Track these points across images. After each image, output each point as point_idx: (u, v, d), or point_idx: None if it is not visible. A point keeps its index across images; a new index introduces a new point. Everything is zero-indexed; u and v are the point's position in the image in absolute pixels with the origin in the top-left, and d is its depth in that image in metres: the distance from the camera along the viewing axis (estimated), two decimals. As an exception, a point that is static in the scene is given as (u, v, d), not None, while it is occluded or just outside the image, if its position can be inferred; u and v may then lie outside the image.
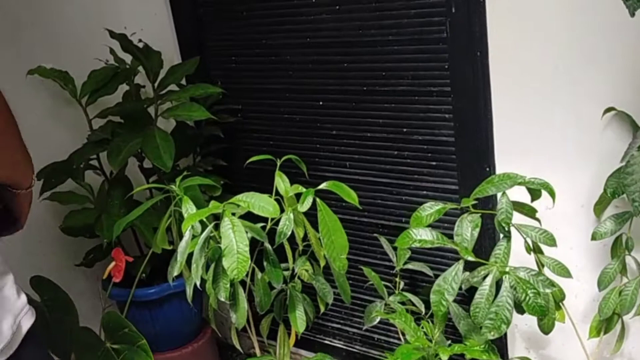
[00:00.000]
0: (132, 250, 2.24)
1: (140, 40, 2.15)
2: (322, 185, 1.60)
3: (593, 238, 1.55)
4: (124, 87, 2.19)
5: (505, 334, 1.99)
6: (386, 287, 1.90)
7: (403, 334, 1.74)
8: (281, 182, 1.57)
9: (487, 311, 1.41)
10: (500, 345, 1.96)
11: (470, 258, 1.44)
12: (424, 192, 2.00)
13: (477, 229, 1.47)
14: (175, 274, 1.61)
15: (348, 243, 1.56)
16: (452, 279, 1.45)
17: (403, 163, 2.02)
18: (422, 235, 1.48)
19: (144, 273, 2.02)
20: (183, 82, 2.21)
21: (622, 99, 1.56)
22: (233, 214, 1.51)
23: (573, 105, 1.65)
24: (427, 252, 2.00)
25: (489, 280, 1.44)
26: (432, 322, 1.80)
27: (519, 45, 1.68)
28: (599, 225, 1.55)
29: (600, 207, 1.63)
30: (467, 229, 1.48)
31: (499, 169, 1.82)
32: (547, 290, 1.42)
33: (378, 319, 1.81)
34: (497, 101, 1.76)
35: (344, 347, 2.40)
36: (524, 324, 1.93)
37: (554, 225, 1.76)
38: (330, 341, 2.42)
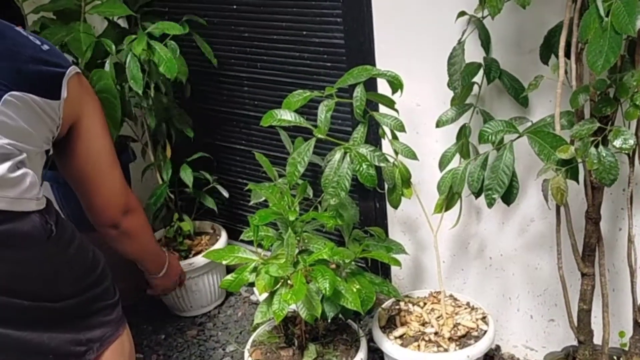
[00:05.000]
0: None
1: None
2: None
3: (437, 125, 1.76)
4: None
5: (387, 219, 2.25)
6: (282, 175, 2.13)
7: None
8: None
9: (331, 181, 1.65)
10: (383, 227, 2.21)
11: (321, 136, 1.67)
12: (323, 90, 2.21)
13: (330, 112, 1.69)
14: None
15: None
16: (305, 153, 1.68)
17: (303, 64, 2.23)
18: (283, 115, 1.71)
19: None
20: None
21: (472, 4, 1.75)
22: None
23: (435, 12, 1.84)
24: (322, 147, 2.22)
25: (337, 156, 1.68)
26: (321, 205, 2.06)
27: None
28: (442, 115, 1.76)
29: (455, 101, 1.83)
30: (323, 112, 1.70)
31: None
32: (382, 164, 1.66)
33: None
34: (376, 6, 1.95)
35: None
36: (400, 211, 2.17)
37: (423, 120, 1.99)
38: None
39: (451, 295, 2.03)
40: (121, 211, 1.53)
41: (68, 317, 1.31)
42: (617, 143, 1.25)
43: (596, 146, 1.29)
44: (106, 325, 1.39)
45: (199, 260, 2.40)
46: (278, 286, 1.67)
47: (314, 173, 2.33)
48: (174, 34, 2.14)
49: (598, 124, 1.30)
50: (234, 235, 2.61)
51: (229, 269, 2.16)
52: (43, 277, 1.25)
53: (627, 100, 1.29)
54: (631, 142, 1.24)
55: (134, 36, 2.11)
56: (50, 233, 1.25)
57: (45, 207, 1.27)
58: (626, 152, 1.26)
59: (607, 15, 1.20)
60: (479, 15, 1.64)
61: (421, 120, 1.98)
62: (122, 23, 2.53)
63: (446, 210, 1.82)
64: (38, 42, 1.27)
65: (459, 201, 1.81)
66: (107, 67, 2.10)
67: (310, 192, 2.02)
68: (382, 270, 2.31)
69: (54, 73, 1.26)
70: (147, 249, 1.77)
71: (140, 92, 2.06)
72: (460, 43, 1.58)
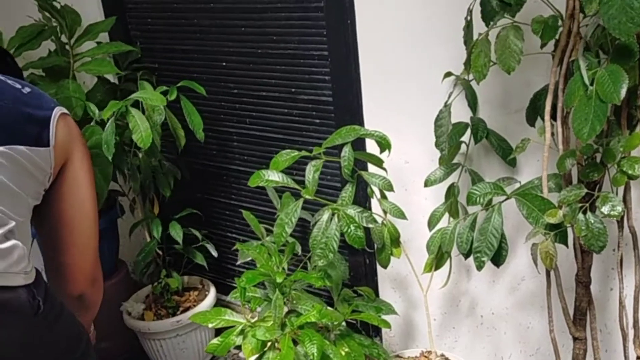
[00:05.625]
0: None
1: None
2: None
3: (425, 184, 1.76)
4: (51, 45, 2.39)
5: (377, 276, 2.22)
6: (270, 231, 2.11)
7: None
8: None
9: (319, 242, 1.63)
10: (373, 285, 2.19)
11: (308, 196, 1.66)
12: (311, 148, 2.21)
13: (318, 172, 1.69)
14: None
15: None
16: (293, 214, 1.67)
17: (292, 120, 2.23)
18: (271, 176, 1.70)
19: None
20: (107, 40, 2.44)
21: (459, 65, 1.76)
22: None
23: (423, 72, 1.85)
24: (312, 202, 2.21)
25: (325, 216, 1.66)
26: (310, 261, 2.03)
27: (381, 16, 1.88)
28: (430, 174, 1.76)
29: (443, 161, 1.84)
30: (310, 173, 1.69)
31: (368, 127, 2.03)
32: (370, 225, 1.64)
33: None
34: (364, 65, 1.97)
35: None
36: (390, 268, 2.15)
37: (411, 177, 1.98)
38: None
39: (442, 355, 2.00)
40: (91, 279, 1.31)
41: None
42: (605, 210, 1.24)
43: (584, 212, 1.28)
44: None
45: (187, 317, 2.36)
46: (266, 349, 1.64)
47: (302, 228, 2.31)
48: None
49: (585, 190, 1.29)
50: (223, 290, 2.58)
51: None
52: (23, 356, 1.12)
53: (614, 165, 1.29)
54: (619, 209, 1.23)
55: (117, 102, 2.08)
56: (38, 309, 1.11)
57: (34, 280, 1.12)
58: (615, 218, 1.25)
59: (591, 84, 1.20)
60: (466, 76, 1.65)
61: (410, 178, 1.98)
62: (112, 78, 2.55)
63: (436, 269, 1.80)
64: (18, 86, 1.15)
65: (448, 260, 1.79)
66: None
67: (299, 248, 2.00)
68: (373, 327, 2.27)
69: (39, 117, 1.14)
70: (93, 318, 1.47)
71: (110, 157, 2.00)
72: (447, 106, 1.59)
